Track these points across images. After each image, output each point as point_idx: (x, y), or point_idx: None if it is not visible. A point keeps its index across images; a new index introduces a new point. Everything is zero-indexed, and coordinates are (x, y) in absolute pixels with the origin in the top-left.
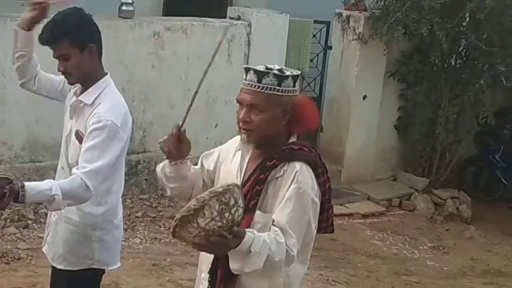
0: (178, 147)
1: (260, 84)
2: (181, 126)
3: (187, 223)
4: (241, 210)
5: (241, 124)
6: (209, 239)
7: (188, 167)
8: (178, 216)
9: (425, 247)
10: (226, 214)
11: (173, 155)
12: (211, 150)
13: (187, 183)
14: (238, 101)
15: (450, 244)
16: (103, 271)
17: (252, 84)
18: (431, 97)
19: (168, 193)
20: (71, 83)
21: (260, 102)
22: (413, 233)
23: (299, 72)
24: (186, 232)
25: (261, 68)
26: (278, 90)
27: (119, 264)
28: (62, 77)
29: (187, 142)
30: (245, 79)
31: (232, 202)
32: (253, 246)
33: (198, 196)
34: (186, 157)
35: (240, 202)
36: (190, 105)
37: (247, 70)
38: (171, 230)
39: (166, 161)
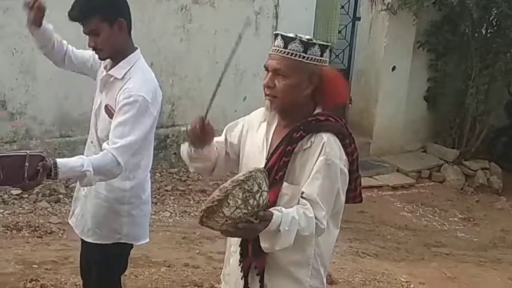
0: (201, 137)
1: (285, 50)
2: (205, 117)
3: (213, 213)
4: (265, 194)
5: (265, 89)
6: (236, 226)
7: (211, 149)
8: (203, 207)
9: (455, 219)
10: (251, 201)
11: (196, 144)
12: (235, 122)
13: (211, 161)
14: (265, 68)
15: (480, 216)
16: (131, 245)
17: (278, 50)
18: (461, 67)
19: (191, 170)
20: (102, 59)
21: (284, 67)
22: (443, 204)
23: (329, 44)
24: (213, 221)
25: (290, 34)
26: (303, 57)
27: (147, 240)
28: (92, 52)
29: (210, 131)
30: (273, 45)
31: (255, 188)
32: (282, 225)
33: (221, 186)
34: (209, 143)
35: (264, 187)
36: (214, 95)
37: (276, 36)
38: (199, 220)
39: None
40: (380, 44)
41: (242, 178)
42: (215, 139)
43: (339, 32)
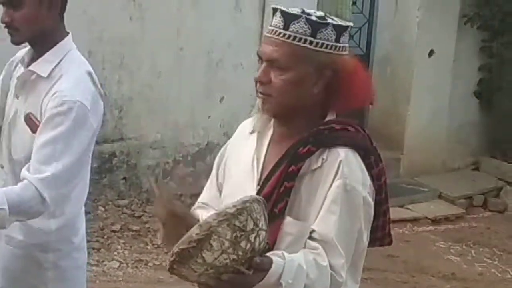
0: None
1: (286, 32)
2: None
3: (189, 259)
4: (263, 234)
5: (257, 85)
6: (220, 277)
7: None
8: (175, 249)
9: None
10: (243, 243)
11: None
12: (223, 149)
13: None
14: (258, 56)
15: None
16: None
17: (276, 31)
18: None
19: None
20: (17, 43)
21: (283, 56)
22: (504, 243)
23: (349, 24)
24: (188, 270)
25: (293, 10)
26: (311, 43)
27: None
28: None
29: (182, 208)
30: (270, 25)
31: (250, 225)
32: (284, 276)
33: (201, 222)
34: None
35: (262, 224)
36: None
37: (274, 11)
38: (168, 266)
39: None
40: (412, 20)
41: (232, 210)
42: (206, 191)
43: (354, 3)
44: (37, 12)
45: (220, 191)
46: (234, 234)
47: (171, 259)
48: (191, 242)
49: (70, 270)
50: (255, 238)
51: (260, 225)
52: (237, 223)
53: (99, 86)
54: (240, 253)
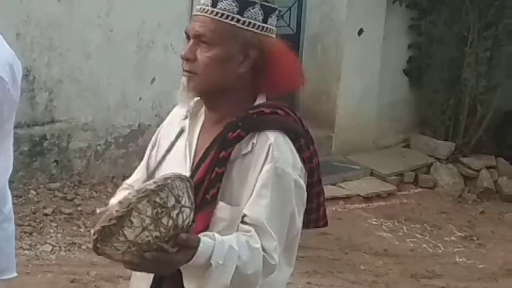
0: None
1: (214, 9)
2: None
3: (111, 236)
4: (188, 211)
5: (183, 63)
6: (144, 255)
7: None
8: (96, 227)
9: (452, 238)
10: (164, 220)
11: None
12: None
13: None
14: (185, 34)
15: (486, 232)
16: None
17: (204, 9)
18: (453, 29)
19: None
20: None
21: (209, 32)
22: (435, 219)
23: (276, 7)
24: (111, 248)
25: None
26: (238, 20)
27: (15, 274)
28: None
29: None
30: (199, 4)
31: (171, 202)
32: (214, 256)
33: (122, 198)
34: None
35: (185, 201)
36: None
37: None
38: (92, 245)
39: None
40: None
41: (152, 187)
42: (134, 173)
43: None
44: None
45: (148, 175)
46: (155, 211)
47: (94, 237)
48: (111, 220)
49: (1, 240)
50: (177, 214)
51: (182, 202)
52: (157, 199)
53: (14, 57)
54: (162, 230)
